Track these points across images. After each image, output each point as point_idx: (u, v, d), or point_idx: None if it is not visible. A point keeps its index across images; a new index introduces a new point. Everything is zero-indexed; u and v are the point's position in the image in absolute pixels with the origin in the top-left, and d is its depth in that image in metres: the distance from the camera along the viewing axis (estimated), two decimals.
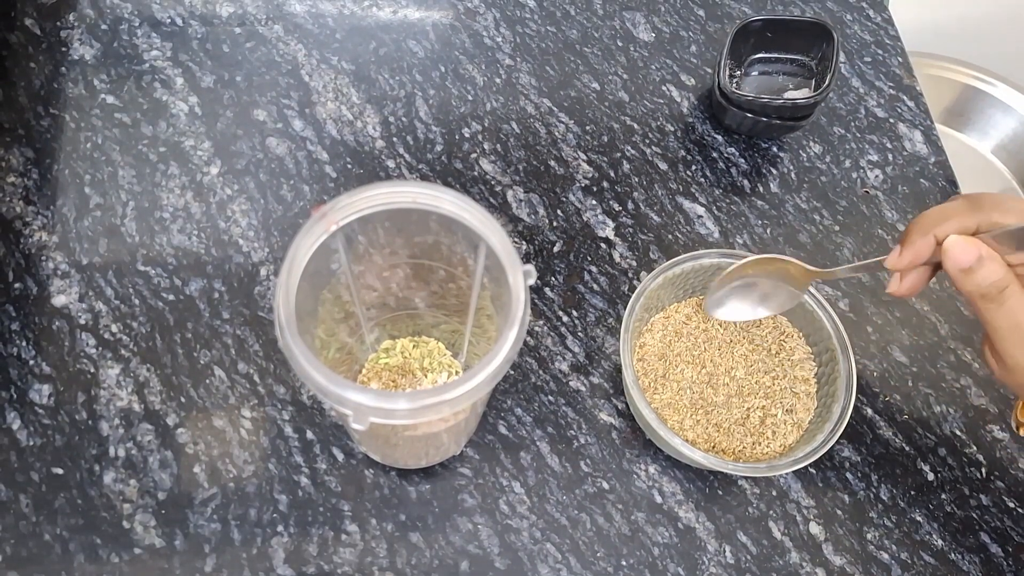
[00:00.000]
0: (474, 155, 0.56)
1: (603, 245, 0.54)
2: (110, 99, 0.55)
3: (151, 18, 0.58)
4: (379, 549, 0.44)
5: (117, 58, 0.56)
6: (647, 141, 0.58)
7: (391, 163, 0.55)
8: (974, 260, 0.36)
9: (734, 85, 0.59)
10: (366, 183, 0.34)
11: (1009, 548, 0.48)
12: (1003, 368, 0.38)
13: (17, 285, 0.48)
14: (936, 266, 0.39)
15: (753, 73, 0.60)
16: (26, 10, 0.57)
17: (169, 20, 0.58)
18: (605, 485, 0.47)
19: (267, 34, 0.59)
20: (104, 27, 0.57)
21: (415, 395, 0.30)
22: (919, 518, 0.48)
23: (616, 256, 0.54)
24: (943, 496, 0.49)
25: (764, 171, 0.58)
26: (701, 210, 0.56)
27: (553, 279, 0.53)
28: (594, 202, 0.55)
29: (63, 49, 0.56)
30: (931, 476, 0.49)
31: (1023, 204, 0.37)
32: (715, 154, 0.58)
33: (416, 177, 0.55)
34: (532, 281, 0.33)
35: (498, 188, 0.55)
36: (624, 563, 0.45)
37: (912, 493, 0.49)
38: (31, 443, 0.44)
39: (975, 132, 1.02)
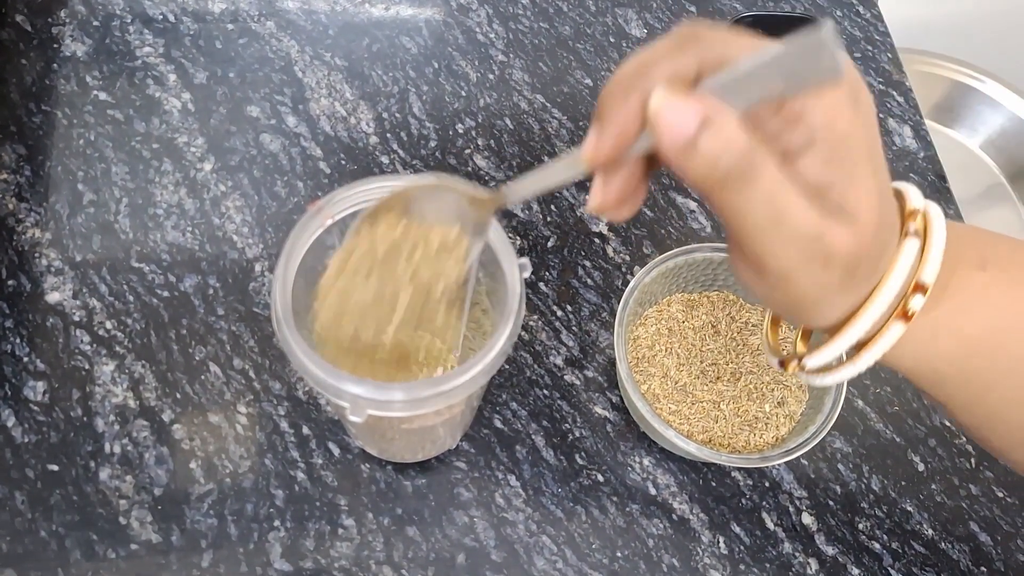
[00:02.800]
0: (468, 151, 0.56)
1: (597, 240, 0.54)
2: (103, 96, 0.55)
3: (143, 14, 0.58)
4: (376, 543, 0.44)
5: (109, 54, 0.56)
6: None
7: (385, 159, 0.55)
8: (695, 124, 0.22)
9: None
10: (360, 179, 0.34)
11: (998, 537, 0.48)
12: (761, 278, 0.25)
13: (10, 282, 0.48)
14: (651, 161, 0.26)
15: None
16: (17, 6, 0.57)
17: (161, 16, 0.58)
18: (600, 478, 0.47)
19: (260, 30, 0.59)
20: (96, 23, 0.57)
21: (411, 387, 0.31)
22: (910, 508, 0.48)
23: (610, 251, 0.54)
24: (933, 486, 0.49)
25: None
26: (694, 205, 0.56)
27: (547, 274, 0.53)
28: (587, 197, 0.56)
29: (55, 46, 0.56)
30: (921, 467, 0.50)
31: (753, 35, 0.24)
32: None
33: (410, 173, 0.55)
34: (527, 274, 0.33)
35: (492, 184, 0.55)
36: (619, 555, 0.45)
37: (903, 483, 0.49)
38: (26, 440, 0.44)
39: (964, 128, 1.03)
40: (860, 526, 0.48)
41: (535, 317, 0.51)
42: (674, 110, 0.22)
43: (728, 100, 0.22)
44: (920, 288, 0.26)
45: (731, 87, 0.22)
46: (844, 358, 0.29)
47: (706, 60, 0.23)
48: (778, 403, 0.47)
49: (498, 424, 0.48)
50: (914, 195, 0.28)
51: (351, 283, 0.31)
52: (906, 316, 0.27)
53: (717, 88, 0.22)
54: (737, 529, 0.47)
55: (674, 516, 0.47)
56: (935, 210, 0.28)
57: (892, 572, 0.47)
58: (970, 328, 0.28)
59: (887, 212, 0.25)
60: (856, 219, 0.24)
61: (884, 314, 0.27)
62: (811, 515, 0.48)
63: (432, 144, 0.56)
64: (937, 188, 0.59)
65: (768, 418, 0.47)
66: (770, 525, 0.47)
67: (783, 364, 0.32)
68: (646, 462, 0.48)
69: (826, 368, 0.30)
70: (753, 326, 0.50)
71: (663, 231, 0.55)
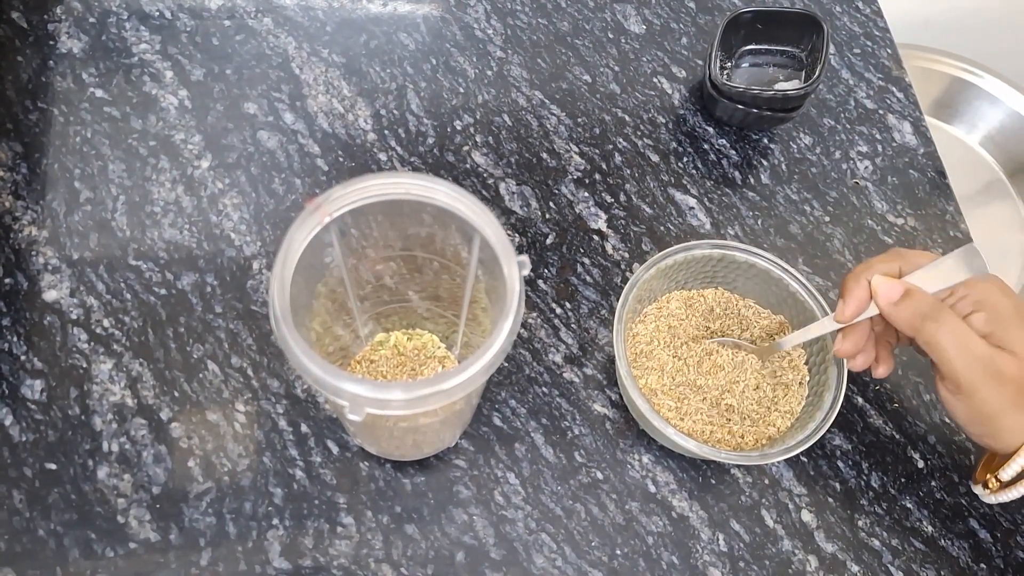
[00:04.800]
0: (466, 148, 0.56)
1: (595, 237, 0.54)
2: (99, 93, 0.55)
3: (139, 11, 0.58)
4: (375, 541, 0.44)
5: (106, 51, 0.56)
6: (639, 133, 0.58)
7: (383, 156, 0.55)
8: (901, 291, 0.39)
9: (725, 77, 0.59)
10: (358, 176, 0.34)
11: (998, 534, 0.48)
12: (959, 397, 0.39)
13: (7, 280, 0.48)
14: (871, 328, 0.43)
15: (743, 65, 0.60)
16: (13, 3, 0.57)
17: (158, 13, 0.58)
18: (599, 475, 0.47)
19: (257, 27, 0.59)
20: (92, 20, 0.57)
21: (410, 386, 0.30)
22: (909, 505, 0.48)
23: (608, 248, 0.54)
24: (933, 483, 0.49)
25: (755, 162, 0.59)
26: (693, 202, 0.56)
27: (546, 271, 0.53)
28: (586, 194, 0.56)
29: (51, 42, 0.56)
30: (921, 464, 0.50)
31: (932, 255, 0.42)
32: (706, 146, 0.59)
33: (408, 170, 0.55)
34: (527, 272, 0.33)
35: (490, 181, 0.55)
36: (618, 552, 0.45)
37: (902, 480, 0.49)
38: (24, 439, 0.44)
39: (963, 124, 1.03)
40: (860, 523, 0.48)
41: (534, 315, 0.51)
42: (886, 285, 0.40)
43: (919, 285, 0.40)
44: None
45: (919, 279, 0.40)
46: None
47: (904, 265, 0.41)
48: (777, 400, 0.47)
49: (497, 422, 0.48)
50: None
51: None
52: None
53: (912, 279, 0.41)
54: (736, 526, 0.47)
55: (673, 513, 0.47)
56: None
57: (892, 569, 0.47)
58: None
59: None
60: (1015, 352, 0.39)
61: None
62: (810, 512, 0.48)
63: (430, 141, 0.56)
64: (936, 184, 0.59)
65: (767, 415, 0.47)
66: (769, 522, 0.47)
67: (984, 484, 0.43)
68: (645, 459, 0.48)
69: (1014, 482, 0.41)
70: (751, 324, 0.50)
71: (662, 228, 0.55)
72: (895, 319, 0.40)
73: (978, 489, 0.44)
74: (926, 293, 0.39)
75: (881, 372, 0.44)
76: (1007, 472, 0.41)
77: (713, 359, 0.48)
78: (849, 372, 0.44)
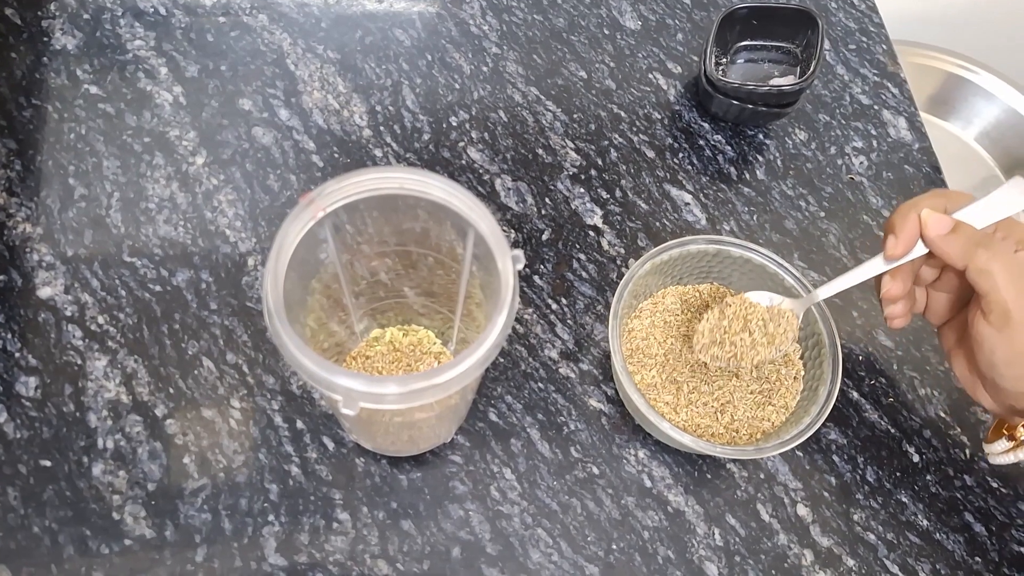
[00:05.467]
0: (462, 144, 0.56)
1: (591, 233, 0.54)
2: (93, 89, 0.54)
3: (134, 7, 0.58)
4: (371, 537, 0.44)
5: (100, 48, 0.56)
6: (634, 129, 0.58)
7: (378, 152, 0.55)
8: (951, 225, 0.39)
9: (720, 73, 0.59)
10: (351, 171, 0.34)
11: (993, 527, 0.48)
12: (1005, 332, 0.38)
13: (1, 277, 0.48)
14: (916, 269, 0.42)
15: (739, 61, 0.60)
16: None
17: (152, 9, 0.58)
18: (595, 470, 0.47)
19: (252, 23, 0.59)
20: (86, 16, 0.57)
21: (405, 380, 0.30)
22: (905, 499, 0.48)
23: (604, 244, 0.54)
24: (928, 477, 0.49)
25: (750, 158, 0.59)
26: (688, 197, 0.56)
27: (542, 267, 0.53)
28: (582, 190, 0.55)
29: (45, 39, 0.56)
30: (916, 458, 0.50)
31: (971, 196, 0.41)
32: (702, 142, 0.59)
33: (404, 165, 0.55)
34: (521, 266, 0.33)
35: (486, 177, 0.55)
36: (615, 547, 0.45)
37: (898, 475, 0.49)
38: (18, 436, 0.44)
39: (959, 120, 1.03)
40: (855, 517, 0.48)
41: (530, 310, 0.51)
42: (935, 218, 0.39)
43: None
44: None
45: (966, 216, 0.40)
46: None
47: (949, 204, 0.40)
48: (772, 395, 0.47)
49: (493, 417, 0.48)
50: None
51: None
52: None
53: (958, 216, 0.40)
54: (732, 521, 0.47)
55: (669, 508, 0.47)
56: None
57: (887, 563, 0.47)
58: None
59: None
60: None
61: None
62: (806, 506, 0.48)
63: (426, 137, 0.56)
64: (932, 180, 0.59)
65: (762, 410, 0.47)
66: (765, 517, 0.47)
67: (1011, 436, 0.44)
68: (641, 454, 0.48)
69: None
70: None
71: (657, 224, 0.55)
72: (946, 250, 0.39)
73: (997, 445, 0.43)
74: (974, 226, 0.39)
75: (900, 323, 0.44)
76: None
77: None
78: (843, 367, 0.44)
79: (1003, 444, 0.44)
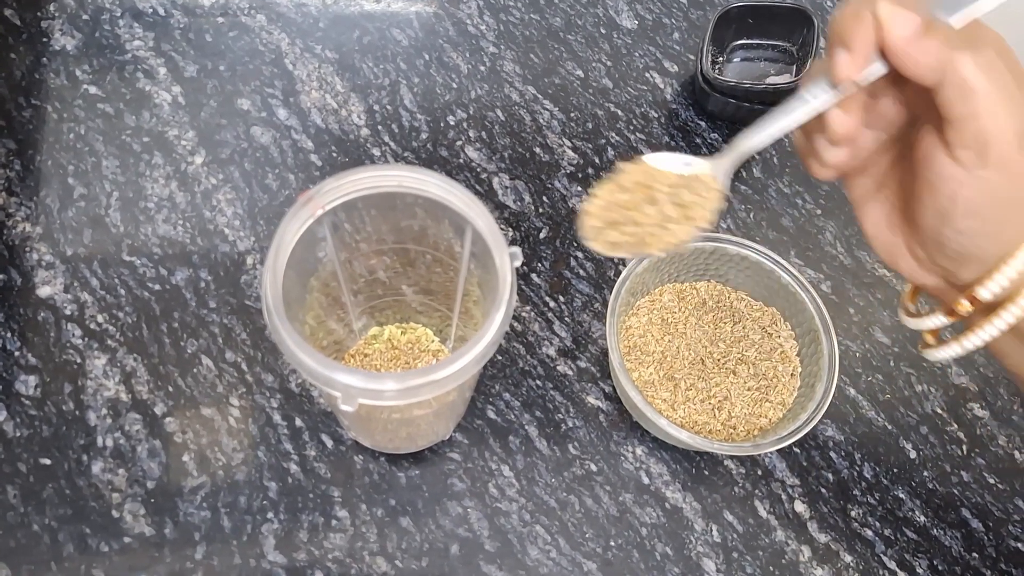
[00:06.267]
0: (459, 143, 0.56)
1: None
2: (92, 89, 0.55)
3: (133, 8, 0.58)
4: (369, 534, 0.44)
5: (99, 48, 0.56)
6: (631, 127, 0.59)
7: (376, 151, 0.55)
8: (919, 22, 0.26)
9: (716, 71, 0.59)
10: (350, 168, 0.34)
11: (990, 523, 0.48)
12: (981, 171, 0.28)
13: (1, 276, 0.48)
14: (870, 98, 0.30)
15: (735, 59, 0.60)
16: (6, 0, 0.57)
17: (151, 10, 0.58)
18: (593, 467, 0.47)
19: (250, 23, 0.59)
20: (85, 17, 0.57)
21: (403, 376, 0.30)
22: (902, 495, 0.49)
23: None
24: (925, 473, 0.49)
25: None
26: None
27: (539, 265, 0.53)
28: (579, 188, 0.56)
29: (44, 39, 0.56)
30: (913, 454, 0.50)
31: None
32: (699, 140, 0.59)
33: (403, 164, 0.55)
34: (518, 263, 0.33)
35: (484, 175, 0.55)
36: (612, 543, 0.45)
37: (895, 471, 0.49)
38: (18, 434, 0.44)
39: None
40: (852, 513, 0.48)
41: (527, 308, 0.51)
42: (901, 15, 0.26)
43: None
44: None
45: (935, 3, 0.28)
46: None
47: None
48: (770, 391, 0.47)
49: (491, 415, 0.48)
50: None
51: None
52: None
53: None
54: (730, 517, 0.47)
55: (667, 505, 0.47)
56: None
57: (884, 559, 0.47)
58: None
59: None
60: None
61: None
62: (803, 503, 0.48)
63: (423, 136, 0.56)
64: None
65: (759, 407, 0.47)
66: (763, 513, 0.47)
67: (950, 311, 0.33)
68: (639, 451, 0.48)
69: (978, 320, 0.31)
70: (743, 316, 0.50)
71: None
72: (917, 58, 0.27)
73: (930, 320, 0.34)
74: (950, 25, 0.27)
75: (832, 174, 0.32)
76: (992, 285, 0.30)
77: (706, 351, 0.48)
78: (840, 363, 0.44)
79: (939, 319, 0.33)
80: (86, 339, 0.47)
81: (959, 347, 0.32)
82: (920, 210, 0.30)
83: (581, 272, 0.53)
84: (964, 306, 0.31)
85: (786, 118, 0.31)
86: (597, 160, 0.57)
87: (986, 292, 0.30)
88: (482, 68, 0.59)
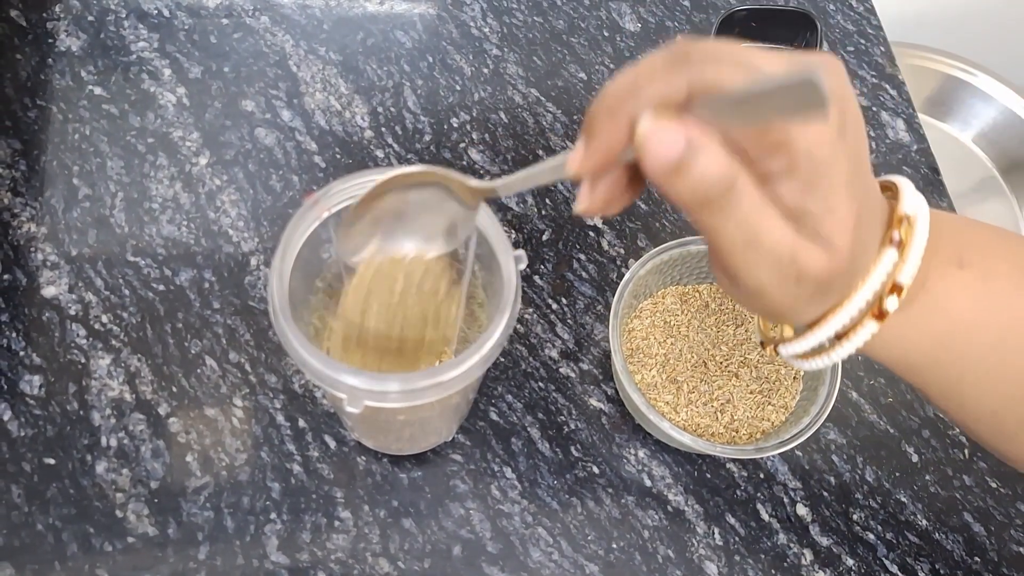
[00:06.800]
0: (463, 145, 0.56)
1: (591, 233, 0.54)
2: (97, 90, 0.55)
3: (138, 9, 0.58)
4: (372, 535, 0.44)
5: (104, 49, 0.56)
6: None
7: (380, 153, 0.55)
8: (680, 151, 0.23)
9: None
10: (356, 171, 0.34)
11: (992, 527, 0.48)
12: (739, 290, 0.27)
13: (6, 277, 0.48)
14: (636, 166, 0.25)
15: None
16: (12, 1, 0.57)
17: (156, 11, 0.58)
18: (595, 470, 0.47)
19: (254, 25, 0.59)
20: (91, 18, 0.57)
21: (408, 378, 0.31)
22: (904, 499, 0.49)
23: (604, 244, 0.54)
24: (927, 477, 0.50)
25: None
26: None
27: (542, 267, 0.53)
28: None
29: (50, 40, 0.56)
30: (915, 458, 0.50)
31: (746, 57, 0.23)
32: None
33: (406, 166, 0.55)
34: (523, 266, 0.33)
35: (486, 176, 0.55)
36: (615, 546, 0.46)
37: (897, 474, 0.49)
38: (22, 434, 0.44)
39: (956, 121, 1.03)
40: (854, 517, 0.48)
41: (530, 310, 0.51)
42: (660, 134, 0.23)
43: (715, 123, 0.23)
44: (897, 289, 0.27)
45: (719, 111, 0.22)
46: (827, 344, 0.30)
47: (696, 83, 0.23)
48: (772, 394, 0.48)
49: (494, 417, 0.48)
50: (907, 197, 0.28)
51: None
52: (881, 316, 0.28)
53: (705, 113, 0.22)
54: (732, 520, 0.47)
55: (669, 508, 0.47)
56: (922, 210, 0.28)
57: (886, 563, 0.47)
58: (942, 324, 0.29)
59: (865, 236, 0.26)
60: (831, 244, 0.25)
61: (861, 311, 0.28)
62: (805, 506, 0.48)
63: (427, 138, 0.56)
64: (930, 181, 0.60)
65: (762, 410, 0.47)
66: (765, 516, 0.47)
67: (763, 345, 0.34)
68: (641, 454, 0.48)
69: (804, 355, 0.31)
70: (746, 319, 0.50)
71: (657, 224, 0.55)
72: (667, 193, 0.24)
73: (757, 339, 0.35)
74: (718, 153, 0.23)
75: (615, 211, 0.28)
76: (790, 348, 0.31)
77: (708, 354, 0.48)
78: (843, 367, 0.45)
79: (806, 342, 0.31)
80: (90, 339, 0.47)
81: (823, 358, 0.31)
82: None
83: (584, 274, 0.53)
84: (769, 350, 0.33)
85: (529, 172, 0.29)
86: None
87: (788, 350, 0.31)
88: (485, 70, 0.60)
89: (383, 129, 0.56)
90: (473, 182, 0.31)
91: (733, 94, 0.22)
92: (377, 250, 0.34)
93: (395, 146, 0.56)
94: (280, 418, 0.46)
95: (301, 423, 0.47)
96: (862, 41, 0.65)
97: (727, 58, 0.23)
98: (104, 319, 0.48)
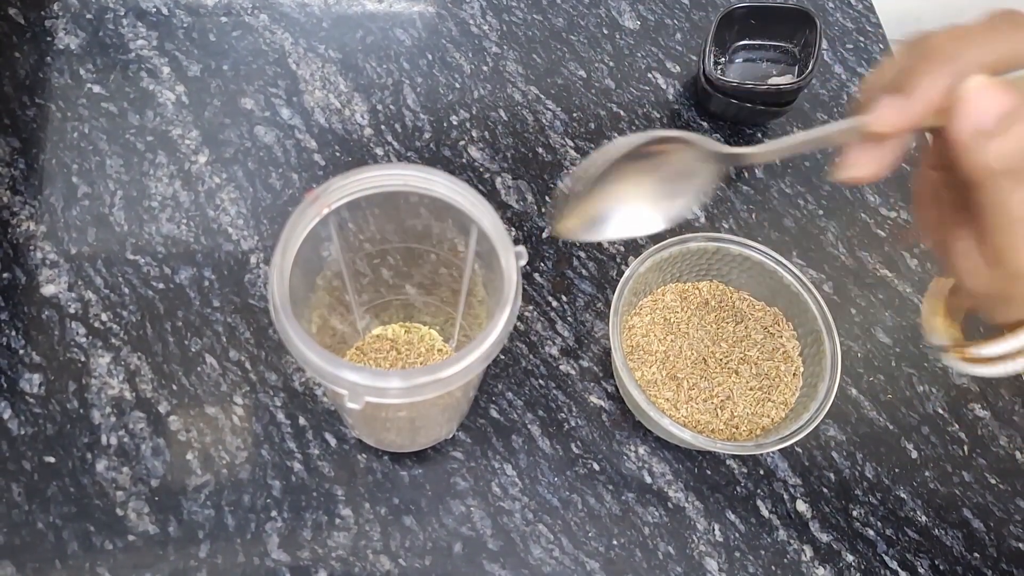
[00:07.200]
0: (462, 142, 0.56)
1: None
2: (96, 88, 0.55)
3: (136, 7, 0.58)
4: (373, 532, 0.44)
5: (103, 47, 0.56)
6: (634, 128, 0.59)
7: (379, 151, 0.55)
8: (1002, 113, 0.23)
9: (719, 72, 0.59)
10: (356, 167, 0.34)
11: (991, 523, 0.49)
12: (1002, 271, 0.26)
13: (5, 275, 0.48)
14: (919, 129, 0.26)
15: (737, 60, 0.61)
16: None
17: (155, 9, 0.58)
18: (596, 466, 0.47)
19: (253, 23, 0.59)
20: (89, 16, 0.57)
21: (408, 374, 0.31)
22: (903, 495, 0.49)
23: (604, 242, 0.54)
24: (927, 473, 0.50)
25: None
26: None
27: (542, 265, 0.53)
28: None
29: (48, 39, 0.56)
30: (915, 454, 0.50)
31: None
32: None
33: (406, 163, 0.55)
34: (523, 262, 0.33)
35: (487, 175, 0.55)
36: (615, 543, 0.46)
37: (896, 471, 0.49)
38: (22, 432, 0.44)
39: None
40: (854, 513, 0.48)
41: (530, 308, 0.51)
42: (988, 96, 0.24)
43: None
44: None
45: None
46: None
47: (1014, 52, 0.24)
48: (772, 391, 0.48)
49: (494, 414, 0.48)
50: None
51: None
52: None
53: (1015, 82, 0.23)
54: (732, 517, 0.47)
55: (669, 504, 0.47)
56: None
57: (886, 559, 0.47)
58: None
59: None
60: None
61: None
62: (805, 502, 0.48)
63: (427, 136, 0.56)
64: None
65: (762, 406, 0.47)
66: (765, 513, 0.47)
67: (944, 349, 0.33)
68: (641, 451, 0.48)
69: (1001, 358, 0.30)
70: (746, 315, 0.50)
71: None
72: (972, 156, 0.24)
73: (936, 339, 0.33)
74: None
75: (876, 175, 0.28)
76: (991, 349, 0.30)
77: (708, 350, 0.48)
78: (842, 364, 0.45)
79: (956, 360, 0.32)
80: (90, 337, 0.47)
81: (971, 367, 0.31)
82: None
83: (584, 272, 0.53)
84: (970, 355, 0.31)
85: (800, 136, 0.29)
86: None
87: (989, 350, 0.30)
88: (485, 68, 0.60)
89: (383, 127, 0.56)
90: (725, 148, 0.31)
91: None
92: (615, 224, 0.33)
93: (395, 144, 0.56)
94: (281, 416, 0.46)
95: (302, 421, 0.46)
96: (861, 39, 0.65)
97: None
98: (104, 317, 0.48)
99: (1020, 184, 0.24)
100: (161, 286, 0.49)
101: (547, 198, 0.55)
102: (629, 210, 0.33)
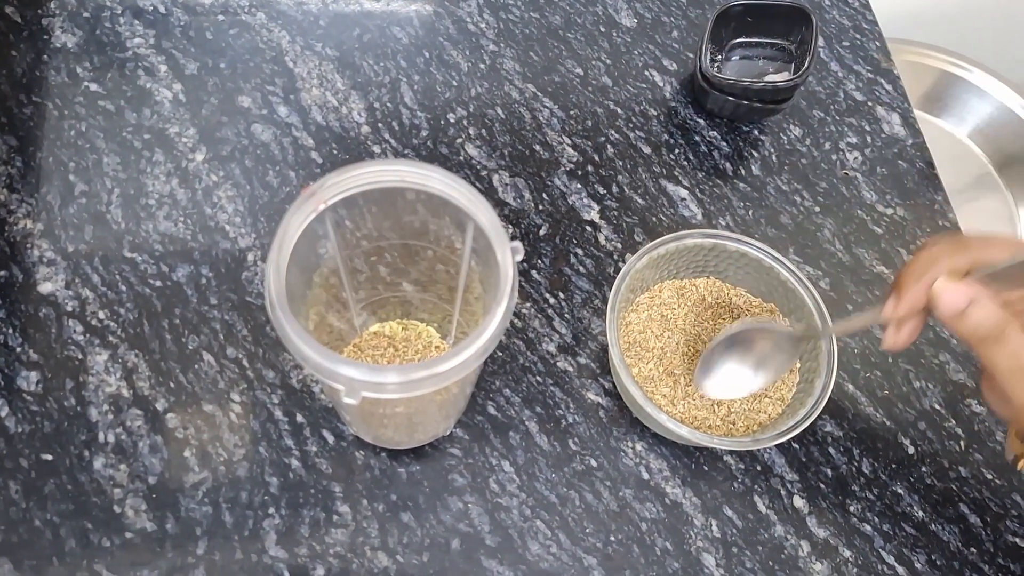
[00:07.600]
0: (459, 140, 0.56)
1: (588, 228, 0.55)
2: (93, 87, 0.55)
3: (133, 6, 0.58)
4: (370, 529, 0.44)
5: (100, 46, 0.56)
6: (631, 125, 0.59)
7: (377, 148, 0.55)
8: (965, 302, 0.35)
9: (715, 69, 0.59)
10: (352, 163, 0.34)
11: (987, 518, 0.49)
12: (1008, 408, 0.37)
13: (2, 273, 0.48)
14: (927, 312, 0.38)
15: (734, 57, 0.61)
16: None
17: (151, 7, 0.58)
18: (593, 463, 0.48)
19: (250, 21, 0.59)
20: (86, 15, 0.57)
21: (405, 369, 0.31)
22: (900, 490, 0.49)
23: (601, 239, 0.54)
24: (923, 469, 0.50)
25: (746, 154, 0.59)
26: (684, 193, 0.57)
27: (539, 262, 0.53)
28: (579, 186, 0.56)
29: (45, 37, 0.56)
30: (911, 450, 0.50)
31: (1010, 240, 0.36)
32: (697, 138, 0.59)
33: (403, 159, 0.55)
34: (520, 257, 0.33)
35: (484, 173, 0.56)
36: (612, 539, 0.46)
37: (893, 466, 0.50)
38: (20, 430, 0.44)
39: (952, 117, 1.04)
40: (851, 508, 0.48)
41: (528, 304, 0.52)
42: (951, 291, 0.35)
43: (991, 286, 0.34)
44: None
45: (993, 278, 0.34)
46: None
47: (975, 260, 0.35)
48: (769, 387, 0.48)
49: (492, 411, 0.48)
50: None
51: None
52: None
53: (983, 278, 0.34)
54: (729, 512, 0.47)
55: (667, 500, 0.47)
56: None
57: (883, 554, 0.47)
58: None
59: None
60: None
61: None
62: (802, 498, 0.48)
63: (424, 133, 0.56)
64: (926, 176, 0.60)
65: (759, 402, 0.47)
66: (762, 508, 0.48)
67: (1015, 461, 0.42)
68: (639, 447, 0.48)
69: None
70: (742, 313, 0.50)
71: (654, 218, 0.55)
72: (956, 331, 0.36)
73: (1011, 456, 0.42)
74: (993, 304, 0.34)
75: (903, 345, 0.40)
76: None
77: (705, 347, 0.49)
78: (839, 360, 0.45)
79: None
80: (87, 335, 0.47)
81: None
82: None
83: (581, 269, 0.53)
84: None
85: (848, 324, 0.43)
86: (596, 157, 0.57)
87: None
88: (482, 66, 0.60)
89: (380, 125, 0.56)
90: (798, 331, 0.46)
91: (1001, 265, 0.34)
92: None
93: (392, 142, 0.56)
94: (278, 413, 0.47)
95: (299, 418, 0.47)
96: (857, 36, 0.65)
97: (995, 244, 0.35)
98: (101, 315, 0.48)
99: (999, 345, 0.34)
100: (158, 284, 0.49)
101: (544, 196, 0.55)
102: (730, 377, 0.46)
